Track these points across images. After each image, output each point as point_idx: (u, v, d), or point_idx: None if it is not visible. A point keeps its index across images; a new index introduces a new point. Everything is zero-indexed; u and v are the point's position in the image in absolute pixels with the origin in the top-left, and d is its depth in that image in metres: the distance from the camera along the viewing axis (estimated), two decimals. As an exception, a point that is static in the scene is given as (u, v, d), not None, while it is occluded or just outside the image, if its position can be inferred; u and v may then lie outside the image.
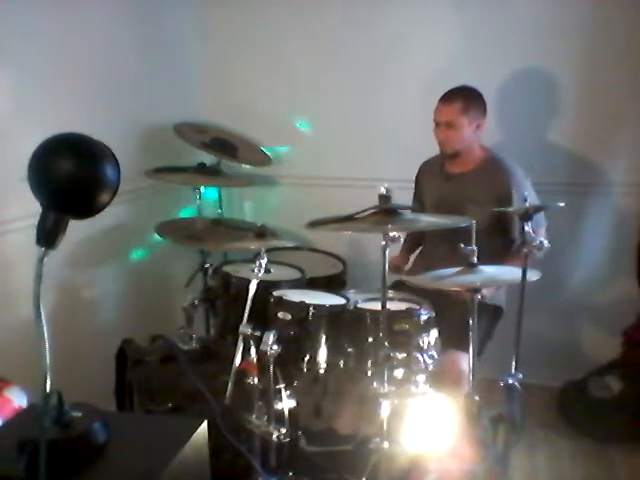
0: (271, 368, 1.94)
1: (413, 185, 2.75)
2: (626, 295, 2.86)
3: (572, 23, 2.76)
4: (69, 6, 2.44)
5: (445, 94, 2.43)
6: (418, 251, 2.76)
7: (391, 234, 1.80)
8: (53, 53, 2.41)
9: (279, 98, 3.24)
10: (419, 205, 2.63)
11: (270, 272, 2.10)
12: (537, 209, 1.97)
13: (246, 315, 2.00)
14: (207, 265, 2.84)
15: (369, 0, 3.03)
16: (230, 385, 1.99)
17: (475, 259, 1.92)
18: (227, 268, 2.64)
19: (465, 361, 2.07)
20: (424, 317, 2.07)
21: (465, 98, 2.41)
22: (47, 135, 1.02)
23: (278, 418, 2.00)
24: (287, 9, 3.11)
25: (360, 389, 2.05)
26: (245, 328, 1.96)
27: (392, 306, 2.05)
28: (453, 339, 2.15)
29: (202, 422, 1.24)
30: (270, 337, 1.92)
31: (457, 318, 2.03)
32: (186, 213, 3.14)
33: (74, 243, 2.48)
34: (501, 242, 2.47)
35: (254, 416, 1.98)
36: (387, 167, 2.88)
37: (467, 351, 1.95)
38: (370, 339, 2.05)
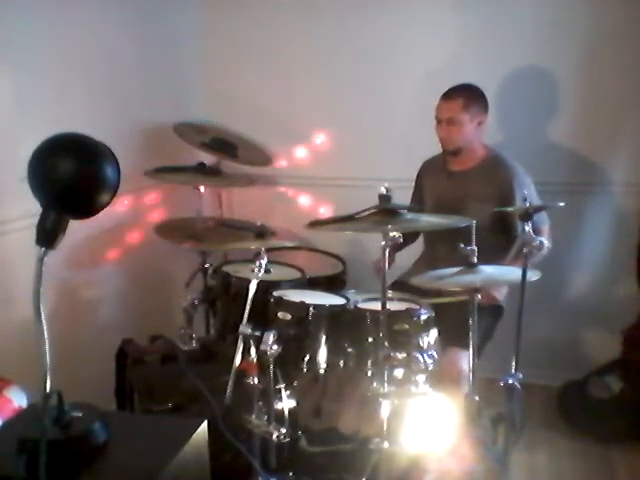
0: (271, 368, 1.94)
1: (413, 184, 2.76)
2: (626, 295, 2.87)
3: (572, 22, 2.76)
4: (69, 6, 2.44)
5: (447, 91, 2.45)
6: (421, 253, 2.76)
7: (391, 234, 1.80)
8: (53, 53, 2.40)
9: (279, 98, 3.25)
10: (418, 204, 2.64)
11: (270, 272, 2.10)
12: (537, 209, 1.97)
13: (246, 315, 2.00)
14: (207, 265, 2.83)
15: (369, 0, 3.03)
16: (230, 385, 1.99)
17: (475, 259, 1.92)
18: (227, 268, 2.64)
19: (465, 359, 2.07)
20: (424, 317, 2.07)
21: (467, 95, 2.42)
22: (47, 135, 1.02)
23: (278, 418, 2.00)
24: (287, 9, 3.11)
25: (360, 389, 2.05)
26: (245, 328, 1.96)
27: (392, 306, 2.05)
28: (453, 337, 2.15)
29: (202, 422, 1.24)
30: (270, 337, 1.92)
31: (457, 317, 2.03)
32: (186, 213, 3.14)
33: (74, 243, 2.48)
34: (502, 239, 2.47)
35: (254, 416, 1.98)
36: (387, 167, 2.88)
37: (467, 349, 1.95)
38: (370, 339, 2.04)
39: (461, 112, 2.41)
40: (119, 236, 2.84)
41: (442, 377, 2.11)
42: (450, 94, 2.44)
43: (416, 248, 2.75)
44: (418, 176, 2.75)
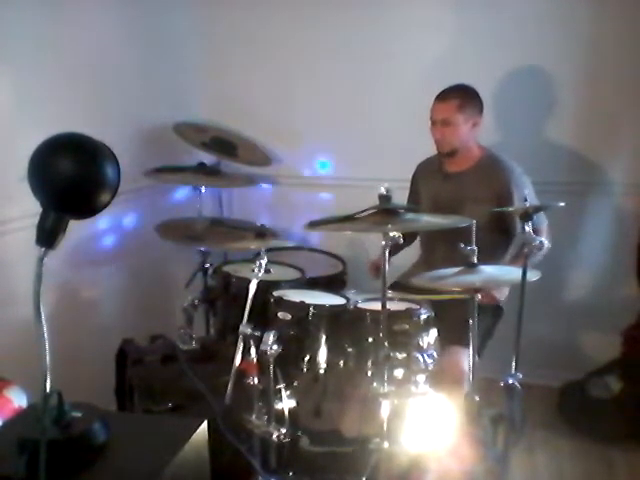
0: (271, 368, 1.94)
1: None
2: (626, 295, 2.86)
3: (572, 21, 2.76)
4: (69, 6, 2.44)
5: (441, 92, 2.44)
6: (419, 255, 2.75)
7: (391, 234, 1.80)
8: (53, 53, 2.41)
9: (279, 98, 3.25)
10: (414, 205, 2.63)
11: (270, 272, 2.10)
12: (537, 209, 1.96)
13: (246, 315, 2.00)
14: (207, 265, 2.84)
15: (368, 0, 3.03)
16: (230, 385, 1.99)
17: (475, 259, 1.92)
18: (227, 268, 2.64)
19: (466, 358, 2.07)
20: (424, 317, 2.07)
21: (461, 96, 2.41)
22: (47, 135, 1.02)
23: (278, 418, 2.00)
24: (286, 9, 3.11)
25: (360, 389, 2.05)
26: (245, 328, 1.97)
27: (392, 306, 2.05)
28: (453, 337, 2.15)
29: (202, 422, 1.24)
30: (270, 337, 1.92)
31: (457, 316, 2.03)
32: (186, 213, 3.14)
33: (74, 243, 2.48)
34: (500, 240, 2.47)
35: (254, 416, 1.98)
36: (387, 167, 2.88)
37: (468, 347, 1.95)
38: (370, 339, 2.05)
39: (456, 113, 2.39)
40: (119, 236, 2.84)
41: (443, 376, 2.11)
42: (445, 95, 2.42)
43: (413, 251, 2.75)
44: (413, 178, 2.74)
